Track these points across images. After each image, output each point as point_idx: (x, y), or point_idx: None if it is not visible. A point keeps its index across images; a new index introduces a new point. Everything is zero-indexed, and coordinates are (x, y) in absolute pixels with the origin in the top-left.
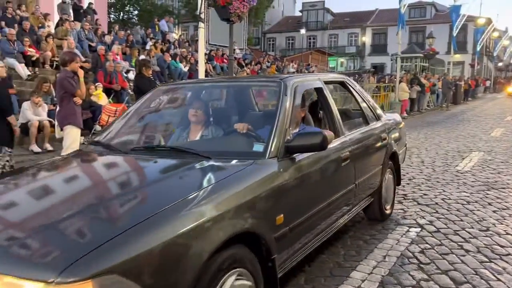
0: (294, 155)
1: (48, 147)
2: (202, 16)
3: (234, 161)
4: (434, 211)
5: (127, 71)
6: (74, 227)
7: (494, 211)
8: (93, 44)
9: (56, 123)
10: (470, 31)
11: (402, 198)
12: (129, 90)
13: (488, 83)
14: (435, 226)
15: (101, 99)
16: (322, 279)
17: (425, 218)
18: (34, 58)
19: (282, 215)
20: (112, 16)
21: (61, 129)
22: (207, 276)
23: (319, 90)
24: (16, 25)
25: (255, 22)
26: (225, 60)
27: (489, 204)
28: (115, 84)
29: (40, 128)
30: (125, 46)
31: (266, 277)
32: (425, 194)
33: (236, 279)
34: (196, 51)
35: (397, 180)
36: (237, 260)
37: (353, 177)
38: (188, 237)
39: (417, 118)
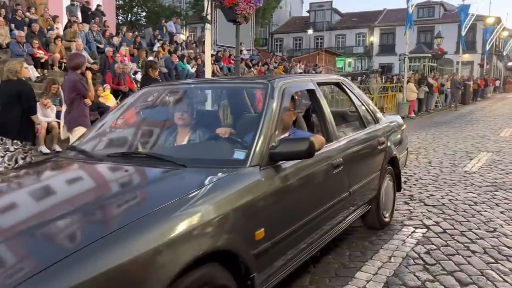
0: (280, 163)
1: (57, 148)
2: (209, 17)
3: (210, 170)
4: (441, 212)
5: (135, 73)
6: (17, 249)
7: (501, 212)
8: (101, 46)
9: (62, 124)
10: (479, 31)
11: (409, 199)
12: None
13: (497, 83)
14: (441, 227)
15: (109, 100)
16: (327, 280)
17: (431, 219)
18: (43, 60)
19: (262, 230)
20: (120, 17)
21: (69, 130)
22: None
23: (311, 92)
24: (25, 27)
25: (262, 23)
26: (232, 61)
27: (497, 205)
28: (123, 85)
29: (49, 130)
30: (133, 48)
31: None
32: (432, 195)
33: None
34: (203, 52)
35: (397, 186)
36: (209, 281)
37: (347, 185)
38: (147, 259)
39: (425, 118)
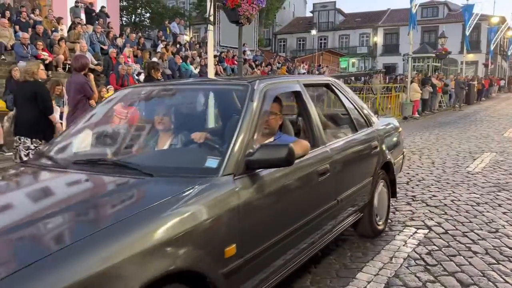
0: (258, 171)
1: None
2: (212, 18)
3: (178, 180)
4: (443, 212)
5: (139, 74)
6: None
7: (504, 213)
8: (105, 47)
9: (64, 124)
10: (484, 30)
11: (411, 200)
12: None
13: (502, 82)
14: (443, 228)
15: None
16: (328, 281)
17: (433, 220)
18: (47, 62)
19: (233, 246)
20: (124, 19)
21: None
22: None
23: (297, 94)
24: (29, 29)
25: (266, 23)
26: (235, 62)
27: (499, 205)
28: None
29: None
30: (136, 49)
31: None
32: (434, 196)
33: None
34: (207, 53)
35: (392, 192)
36: None
37: (334, 192)
38: (92, 283)
39: (429, 118)
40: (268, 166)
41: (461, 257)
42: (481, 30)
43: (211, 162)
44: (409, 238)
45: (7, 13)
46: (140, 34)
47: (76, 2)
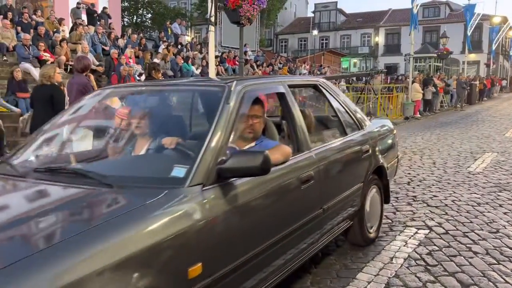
0: (231, 180)
1: None
2: (213, 19)
3: (139, 191)
4: (444, 212)
5: (140, 74)
6: None
7: (505, 213)
8: (107, 48)
9: None
10: (485, 30)
11: (412, 200)
12: None
13: (504, 82)
14: (444, 228)
15: (114, 102)
16: (328, 281)
17: (434, 220)
18: (49, 63)
19: (199, 265)
20: (125, 19)
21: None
22: None
23: (281, 96)
24: (31, 30)
25: (267, 24)
26: (237, 62)
27: (500, 205)
28: None
29: None
30: (138, 49)
31: None
32: (435, 196)
33: None
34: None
35: (385, 198)
36: None
37: (319, 201)
38: None
39: (431, 118)
40: (242, 175)
41: (462, 257)
42: (483, 30)
43: (178, 171)
44: (409, 238)
45: (9, 14)
46: (141, 35)
47: (77, 3)
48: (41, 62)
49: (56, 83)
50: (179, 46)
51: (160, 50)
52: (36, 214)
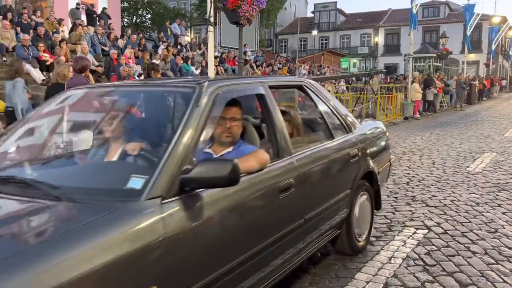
0: (197, 191)
1: None
2: (212, 19)
3: (89, 206)
4: (443, 212)
5: (139, 75)
6: None
7: (503, 213)
8: (106, 48)
9: None
10: (485, 30)
11: (411, 200)
12: None
13: (504, 82)
14: (442, 228)
15: None
16: (327, 281)
17: (433, 220)
18: (48, 63)
19: None
20: (125, 20)
21: None
22: None
23: (260, 98)
24: (31, 31)
25: (267, 24)
26: (236, 63)
27: (499, 205)
28: None
29: None
30: (137, 50)
31: None
32: (434, 196)
33: None
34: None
35: (376, 204)
36: None
37: (300, 211)
38: None
39: (430, 118)
40: (208, 186)
41: (460, 257)
42: (482, 30)
43: (135, 182)
44: (408, 238)
45: (9, 15)
46: (141, 35)
47: (77, 4)
48: (41, 63)
49: None
50: (179, 47)
51: (159, 50)
52: None
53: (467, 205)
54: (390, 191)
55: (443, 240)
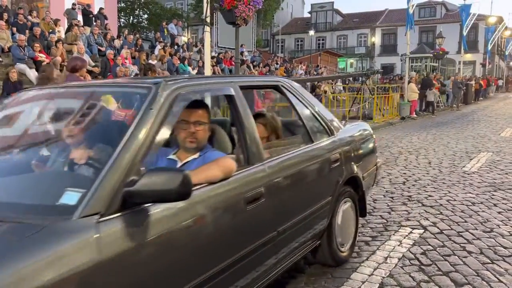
0: (144, 206)
1: None
2: (208, 20)
3: (11, 226)
4: (438, 212)
5: (136, 75)
6: None
7: (499, 212)
8: (103, 49)
9: None
10: (481, 30)
11: (407, 200)
12: None
13: (500, 82)
14: (438, 228)
15: (111, 103)
16: (323, 281)
17: (428, 220)
18: (44, 63)
19: None
20: (122, 20)
21: None
22: None
23: (230, 99)
24: (27, 31)
25: (263, 24)
26: (233, 63)
27: (495, 205)
28: None
29: None
30: (134, 50)
31: None
32: (430, 196)
33: None
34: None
35: (361, 211)
36: None
37: (272, 222)
38: None
39: (427, 118)
40: (155, 200)
41: (456, 256)
42: (479, 30)
43: (69, 197)
44: (404, 238)
45: (5, 15)
46: (138, 35)
47: (73, 4)
48: (37, 63)
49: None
50: (176, 47)
51: (156, 51)
52: None
53: (463, 204)
54: (386, 191)
55: (439, 240)
